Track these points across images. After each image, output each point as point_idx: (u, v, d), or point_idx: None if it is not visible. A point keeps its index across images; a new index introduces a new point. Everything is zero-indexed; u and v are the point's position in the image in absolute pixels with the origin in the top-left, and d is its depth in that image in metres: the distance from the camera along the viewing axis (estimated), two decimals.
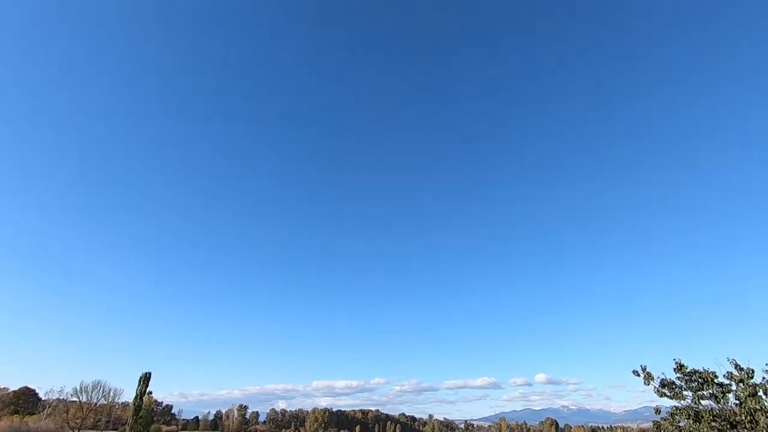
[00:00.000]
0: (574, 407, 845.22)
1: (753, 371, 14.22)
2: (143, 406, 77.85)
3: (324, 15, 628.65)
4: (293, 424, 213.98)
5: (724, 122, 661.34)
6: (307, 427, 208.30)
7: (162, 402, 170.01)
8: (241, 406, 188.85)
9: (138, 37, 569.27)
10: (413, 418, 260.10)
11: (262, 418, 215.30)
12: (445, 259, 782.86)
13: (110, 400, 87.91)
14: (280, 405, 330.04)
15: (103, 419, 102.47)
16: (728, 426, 13.94)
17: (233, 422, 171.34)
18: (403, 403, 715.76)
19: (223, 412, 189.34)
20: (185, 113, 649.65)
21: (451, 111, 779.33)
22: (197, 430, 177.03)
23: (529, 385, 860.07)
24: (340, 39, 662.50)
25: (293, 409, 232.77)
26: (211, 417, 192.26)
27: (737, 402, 14.18)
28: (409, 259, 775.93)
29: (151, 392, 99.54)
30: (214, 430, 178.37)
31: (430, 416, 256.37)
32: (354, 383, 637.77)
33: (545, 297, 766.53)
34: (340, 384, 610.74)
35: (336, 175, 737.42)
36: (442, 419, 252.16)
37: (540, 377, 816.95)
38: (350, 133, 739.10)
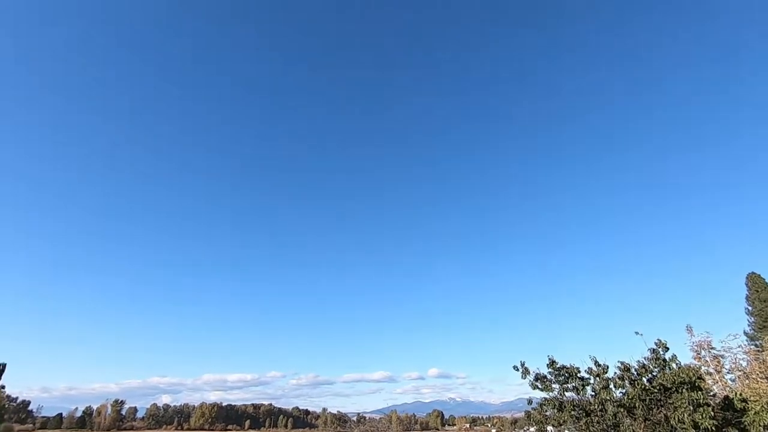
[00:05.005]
0: (459, 399, 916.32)
1: (608, 367, 15.99)
2: None
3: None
4: (177, 419, 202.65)
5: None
6: (192, 423, 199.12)
7: (17, 398, 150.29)
8: (116, 401, 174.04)
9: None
10: (307, 412, 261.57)
11: (140, 414, 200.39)
12: (347, 258, 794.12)
13: None
14: (164, 399, 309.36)
15: None
16: (584, 414, 15.45)
17: (105, 419, 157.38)
18: (299, 396, 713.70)
19: (95, 407, 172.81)
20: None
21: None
22: (59, 428, 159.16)
23: (422, 378, 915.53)
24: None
25: (178, 404, 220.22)
26: (78, 413, 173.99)
27: (593, 393, 15.76)
28: (313, 256, 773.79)
29: (3, 387, 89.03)
30: (81, 428, 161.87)
31: (324, 410, 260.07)
32: (248, 377, 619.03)
33: (442, 295, 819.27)
34: (233, 377, 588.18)
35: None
36: (336, 412, 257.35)
37: (432, 371, 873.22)
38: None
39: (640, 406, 14.80)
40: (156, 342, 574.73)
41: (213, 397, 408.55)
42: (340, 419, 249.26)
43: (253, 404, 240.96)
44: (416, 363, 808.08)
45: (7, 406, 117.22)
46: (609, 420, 14.87)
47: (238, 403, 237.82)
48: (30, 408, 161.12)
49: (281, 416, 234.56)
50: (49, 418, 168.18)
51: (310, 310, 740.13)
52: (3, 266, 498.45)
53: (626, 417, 15.05)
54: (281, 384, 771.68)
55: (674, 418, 14.04)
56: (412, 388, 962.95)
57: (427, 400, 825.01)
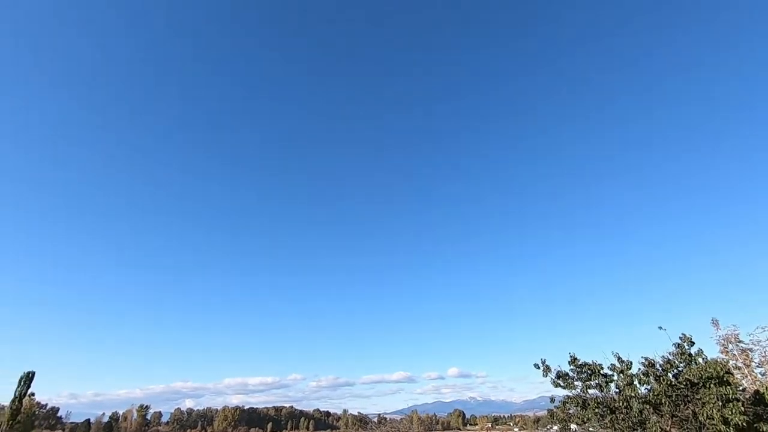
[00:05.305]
0: (480, 398, 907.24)
1: (631, 363, 15.70)
2: (22, 409, 72.09)
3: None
4: (200, 423, 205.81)
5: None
6: (215, 426, 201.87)
7: (46, 404, 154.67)
8: (141, 406, 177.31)
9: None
10: (328, 414, 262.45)
11: (165, 419, 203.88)
12: (364, 260, 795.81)
13: None
14: (187, 404, 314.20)
15: None
16: (609, 411, 15.18)
17: (131, 424, 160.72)
18: (320, 398, 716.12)
19: (121, 413, 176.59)
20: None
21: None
22: None
23: (442, 378, 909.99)
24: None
25: (201, 408, 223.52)
26: (105, 419, 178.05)
27: (617, 390, 15.56)
28: (329, 257, 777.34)
29: (33, 394, 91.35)
30: None
31: (345, 411, 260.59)
32: (269, 380, 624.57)
33: (460, 295, 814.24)
34: (254, 381, 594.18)
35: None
36: (356, 413, 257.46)
37: (452, 371, 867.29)
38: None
39: (667, 403, 14.41)
40: (178, 347, 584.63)
41: (235, 400, 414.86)
42: (361, 420, 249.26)
43: (274, 407, 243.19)
44: (435, 363, 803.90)
45: (36, 412, 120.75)
46: (635, 417, 14.48)
47: (260, 406, 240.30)
48: (59, 414, 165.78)
49: (302, 418, 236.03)
50: (77, 423, 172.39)
51: (329, 312, 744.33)
52: (33, 276, 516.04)
53: (652, 414, 14.65)
54: (302, 386, 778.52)
55: (702, 414, 13.60)
56: (432, 388, 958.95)
57: (447, 400, 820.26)
